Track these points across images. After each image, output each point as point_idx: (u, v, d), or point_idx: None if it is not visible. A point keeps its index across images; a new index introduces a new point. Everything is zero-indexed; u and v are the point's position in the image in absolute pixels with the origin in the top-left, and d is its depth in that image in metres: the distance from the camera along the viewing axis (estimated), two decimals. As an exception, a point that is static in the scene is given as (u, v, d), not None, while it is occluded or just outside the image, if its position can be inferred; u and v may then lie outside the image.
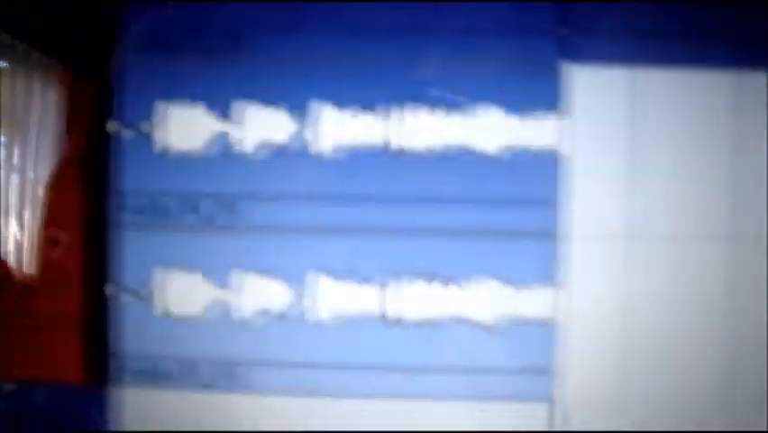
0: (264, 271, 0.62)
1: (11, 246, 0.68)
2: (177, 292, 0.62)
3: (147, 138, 0.62)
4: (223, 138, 0.62)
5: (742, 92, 0.63)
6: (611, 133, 0.62)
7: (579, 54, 0.62)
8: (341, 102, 0.62)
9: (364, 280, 0.62)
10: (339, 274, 0.62)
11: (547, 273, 0.62)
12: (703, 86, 0.62)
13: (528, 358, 0.62)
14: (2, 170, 0.67)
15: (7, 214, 0.68)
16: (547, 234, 0.62)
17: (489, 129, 0.62)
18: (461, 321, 0.62)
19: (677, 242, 0.62)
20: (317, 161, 0.62)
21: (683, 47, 0.62)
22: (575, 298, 0.62)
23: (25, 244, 0.68)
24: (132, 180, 0.62)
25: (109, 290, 0.62)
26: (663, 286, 0.62)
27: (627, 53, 0.62)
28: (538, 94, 0.62)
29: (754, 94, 0.63)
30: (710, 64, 0.62)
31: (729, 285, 0.62)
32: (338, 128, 0.62)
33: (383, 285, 0.62)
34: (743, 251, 0.62)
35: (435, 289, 0.62)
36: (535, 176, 0.62)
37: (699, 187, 0.62)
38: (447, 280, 0.62)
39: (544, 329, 0.62)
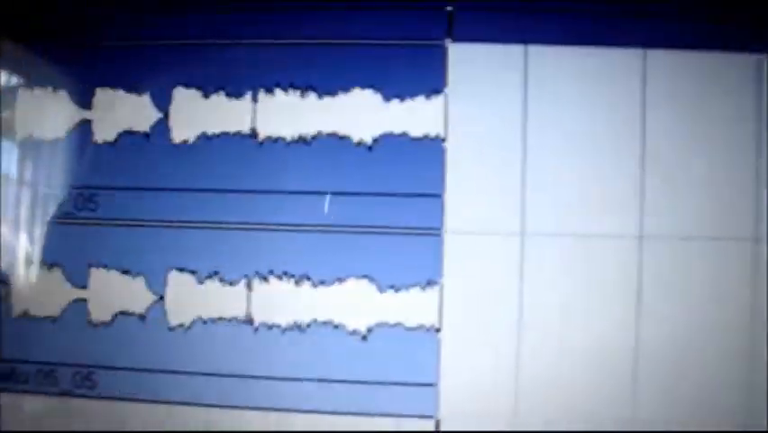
0: (123, 269, 0.57)
1: None
2: (35, 291, 0.58)
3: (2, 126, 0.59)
4: (82, 127, 0.58)
5: (653, 70, 0.55)
6: (500, 118, 0.56)
7: (466, 32, 0.56)
8: (205, 88, 0.57)
9: (228, 280, 0.57)
10: (202, 274, 0.57)
11: (428, 275, 0.56)
12: (606, 64, 0.56)
13: (408, 369, 0.56)
14: None
15: None
16: (428, 231, 0.56)
17: (364, 115, 0.56)
18: (333, 326, 0.56)
19: (574, 239, 0.55)
20: (180, 150, 0.57)
21: (580, 22, 0.55)
22: (459, 301, 0.56)
23: None
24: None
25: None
26: (560, 287, 0.55)
27: (519, 30, 0.56)
28: (420, 76, 0.56)
29: (665, 72, 0.55)
30: (612, 41, 0.55)
31: (631, 284, 0.55)
32: (202, 116, 0.57)
33: (249, 286, 0.57)
34: (644, 248, 0.55)
35: (305, 290, 0.56)
36: (416, 166, 0.56)
37: (600, 179, 0.55)
38: (318, 280, 0.56)
39: (426, 337, 0.56)
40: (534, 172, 0.55)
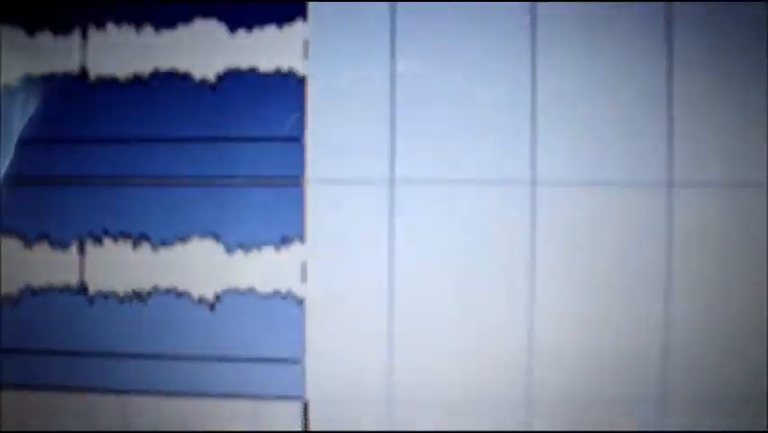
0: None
1: None
2: None
3: None
4: None
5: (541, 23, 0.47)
6: (367, 48, 0.48)
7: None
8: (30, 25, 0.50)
9: (58, 242, 0.49)
10: (29, 235, 0.50)
11: (285, 231, 0.48)
12: (494, 13, 0.48)
13: (268, 344, 0.48)
14: None
15: None
16: (284, 181, 0.48)
17: (206, 46, 0.49)
18: (176, 294, 0.49)
19: (445, 187, 0.47)
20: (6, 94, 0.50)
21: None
22: (324, 262, 0.48)
23: None
24: None
25: None
26: (434, 240, 0.48)
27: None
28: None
29: (553, 23, 0.47)
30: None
31: (520, 234, 0.47)
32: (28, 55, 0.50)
33: (81, 249, 0.49)
34: (537, 195, 0.47)
35: (143, 253, 0.49)
36: (267, 105, 0.48)
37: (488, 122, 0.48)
38: (158, 240, 0.49)
39: (289, 305, 0.48)
40: (407, 115, 0.48)
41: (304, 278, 0.48)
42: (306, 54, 0.48)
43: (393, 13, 0.48)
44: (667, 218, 0.47)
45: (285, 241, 0.48)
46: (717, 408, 0.46)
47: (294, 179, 0.48)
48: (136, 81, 0.49)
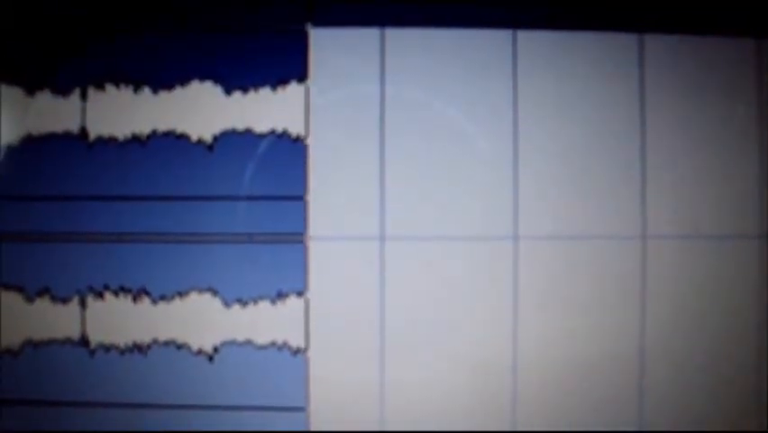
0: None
1: None
2: None
3: None
4: None
5: (523, 51, 0.50)
6: (361, 109, 0.51)
7: (327, 16, 0.50)
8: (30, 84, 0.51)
9: (60, 296, 0.51)
10: (30, 290, 0.51)
11: (283, 286, 0.50)
12: (473, 45, 0.50)
13: (268, 393, 0.50)
14: None
15: None
16: (286, 238, 0.50)
17: (204, 110, 0.50)
18: (175, 346, 0.51)
19: (437, 243, 0.50)
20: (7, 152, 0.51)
21: (440, 4, 0.50)
22: (325, 315, 0.50)
23: None
24: None
25: None
26: (423, 294, 0.50)
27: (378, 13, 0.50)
28: (277, 65, 0.50)
29: (535, 53, 0.50)
30: (480, 21, 0.50)
31: (504, 286, 0.50)
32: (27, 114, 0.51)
33: (83, 302, 0.51)
34: (519, 249, 0.50)
35: (144, 307, 0.51)
36: (270, 167, 0.50)
37: (464, 176, 0.50)
38: (157, 295, 0.51)
39: (289, 355, 0.50)
40: (395, 173, 0.50)
41: (307, 329, 0.50)
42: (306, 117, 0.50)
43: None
44: (641, 269, 0.50)
45: (279, 295, 0.50)
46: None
47: (297, 236, 0.50)
48: (135, 140, 0.50)
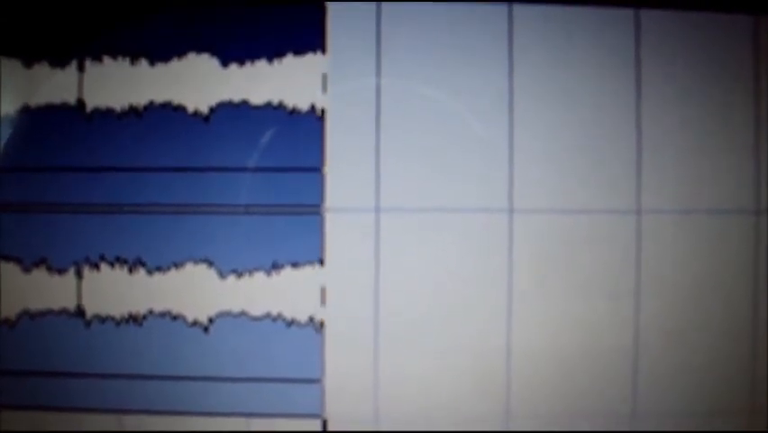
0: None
1: None
2: None
3: None
4: None
5: (519, 27, 0.50)
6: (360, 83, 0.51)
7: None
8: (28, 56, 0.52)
9: (56, 267, 0.51)
10: (27, 260, 0.51)
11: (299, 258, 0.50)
12: (472, 18, 0.50)
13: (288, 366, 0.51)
14: None
15: None
16: (304, 209, 0.50)
17: (205, 82, 0.51)
18: (172, 317, 0.51)
19: (430, 216, 0.50)
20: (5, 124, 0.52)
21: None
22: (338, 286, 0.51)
23: None
24: None
25: None
26: (419, 267, 0.50)
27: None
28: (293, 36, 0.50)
29: (531, 27, 0.50)
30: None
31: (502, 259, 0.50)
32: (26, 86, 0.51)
33: (79, 273, 0.51)
34: (514, 221, 0.50)
35: (140, 278, 0.51)
36: (286, 140, 0.50)
37: (461, 151, 0.51)
38: (153, 266, 0.51)
39: (302, 327, 0.50)
40: (390, 145, 0.50)
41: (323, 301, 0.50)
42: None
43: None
44: (636, 243, 0.50)
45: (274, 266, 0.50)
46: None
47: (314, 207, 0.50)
48: (132, 112, 0.51)
